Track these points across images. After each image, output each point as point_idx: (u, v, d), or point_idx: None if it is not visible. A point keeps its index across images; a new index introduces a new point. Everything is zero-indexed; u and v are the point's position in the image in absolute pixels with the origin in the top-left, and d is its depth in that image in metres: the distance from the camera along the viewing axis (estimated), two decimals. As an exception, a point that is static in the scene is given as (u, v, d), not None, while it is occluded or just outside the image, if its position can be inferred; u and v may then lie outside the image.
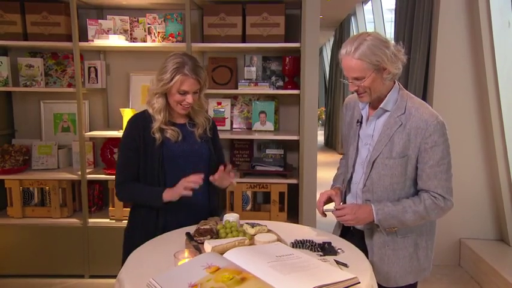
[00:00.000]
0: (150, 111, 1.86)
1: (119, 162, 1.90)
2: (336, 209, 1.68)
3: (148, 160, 1.84)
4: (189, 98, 1.80)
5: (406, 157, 1.61)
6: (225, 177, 1.89)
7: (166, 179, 1.83)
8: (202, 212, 1.88)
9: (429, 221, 1.70)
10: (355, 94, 1.68)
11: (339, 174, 1.97)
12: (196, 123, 1.93)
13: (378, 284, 1.48)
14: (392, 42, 1.62)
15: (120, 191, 1.89)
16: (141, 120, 1.88)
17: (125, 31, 3.25)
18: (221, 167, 1.86)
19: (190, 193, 1.74)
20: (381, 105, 1.65)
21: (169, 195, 1.77)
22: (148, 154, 1.84)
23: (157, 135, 1.82)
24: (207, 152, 1.93)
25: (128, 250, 1.68)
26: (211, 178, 1.86)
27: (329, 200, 1.78)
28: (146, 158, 1.84)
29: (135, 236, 1.83)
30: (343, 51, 1.58)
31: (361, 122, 1.75)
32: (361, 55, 1.53)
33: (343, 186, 1.83)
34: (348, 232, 1.82)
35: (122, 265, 1.83)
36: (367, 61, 1.53)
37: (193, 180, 1.75)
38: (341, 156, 2.06)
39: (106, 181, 3.25)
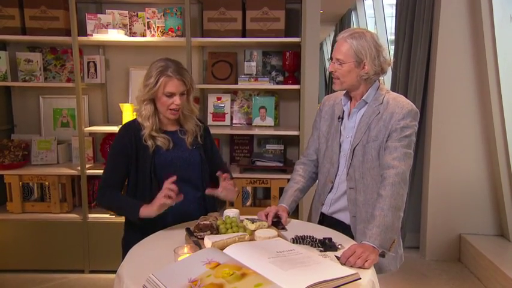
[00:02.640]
0: (139, 119, 1.86)
1: (106, 166, 1.88)
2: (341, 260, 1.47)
3: (139, 168, 1.83)
4: (176, 100, 1.80)
5: (379, 141, 1.71)
6: (229, 188, 1.83)
7: (159, 187, 1.77)
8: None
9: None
10: (333, 94, 1.92)
11: (290, 187, 1.94)
12: (186, 130, 1.92)
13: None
14: (391, 56, 1.64)
15: (101, 196, 1.85)
16: (133, 128, 1.86)
17: (124, 26, 3.23)
18: (225, 175, 1.81)
19: (171, 202, 1.66)
20: (363, 97, 1.76)
21: (146, 211, 1.70)
22: (139, 162, 1.83)
23: (150, 143, 1.81)
24: (198, 159, 1.91)
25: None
26: (208, 191, 1.84)
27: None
28: (137, 166, 1.84)
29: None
30: (341, 34, 1.73)
31: (342, 118, 1.82)
32: (353, 42, 1.68)
33: (291, 204, 1.87)
34: (325, 220, 1.86)
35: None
36: (353, 49, 1.68)
37: (169, 188, 1.67)
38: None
39: (106, 176, 3.24)
